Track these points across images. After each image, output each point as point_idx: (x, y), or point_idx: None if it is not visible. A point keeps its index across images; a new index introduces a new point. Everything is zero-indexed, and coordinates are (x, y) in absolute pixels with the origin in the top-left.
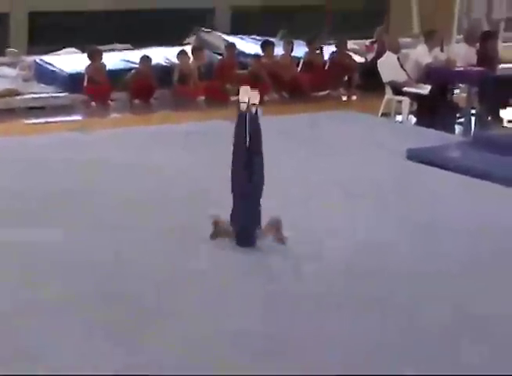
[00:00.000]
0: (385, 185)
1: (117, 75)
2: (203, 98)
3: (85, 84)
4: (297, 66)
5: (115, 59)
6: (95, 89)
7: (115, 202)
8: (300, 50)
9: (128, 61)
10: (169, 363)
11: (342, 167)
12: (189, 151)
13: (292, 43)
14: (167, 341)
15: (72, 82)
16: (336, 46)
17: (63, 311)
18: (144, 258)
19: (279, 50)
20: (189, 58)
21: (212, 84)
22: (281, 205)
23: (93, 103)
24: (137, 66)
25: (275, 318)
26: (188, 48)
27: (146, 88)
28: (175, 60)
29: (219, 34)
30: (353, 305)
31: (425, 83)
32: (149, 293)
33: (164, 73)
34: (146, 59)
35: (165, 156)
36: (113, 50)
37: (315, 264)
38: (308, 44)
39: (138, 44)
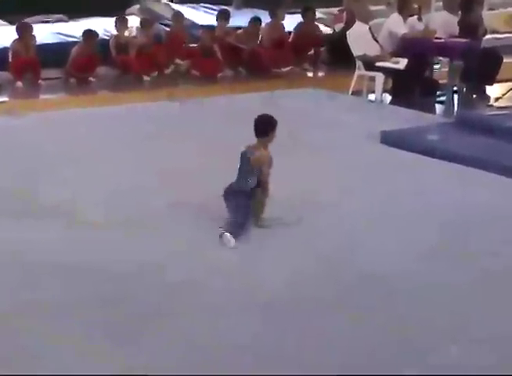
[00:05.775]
0: (356, 172)
1: (48, 51)
2: (147, 78)
3: (10, 60)
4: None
5: (47, 32)
6: (23, 67)
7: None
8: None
9: (62, 34)
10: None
11: (308, 152)
12: (133, 137)
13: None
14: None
15: None
16: (302, 16)
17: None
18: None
19: (236, 20)
20: (128, 25)
21: (160, 58)
22: None
23: (19, 83)
24: (71, 39)
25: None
26: (131, 19)
27: (86, 66)
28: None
29: (167, 2)
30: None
31: (401, 57)
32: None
33: (104, 47)
34: (90, 33)
35: (106, 142)
36: (45, 22)
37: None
38: (272, 13)
39: (73, 14)
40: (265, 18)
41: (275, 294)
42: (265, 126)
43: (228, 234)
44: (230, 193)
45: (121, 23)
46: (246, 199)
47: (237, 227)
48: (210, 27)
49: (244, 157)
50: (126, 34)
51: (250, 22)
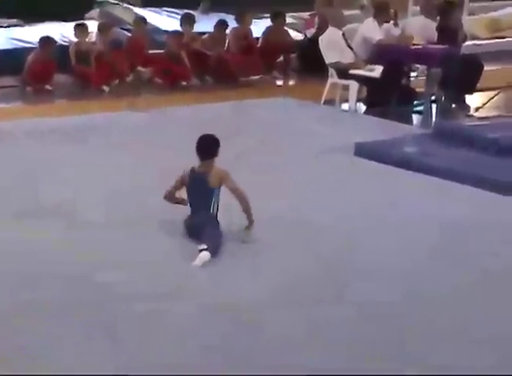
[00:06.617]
0: (329, 186)
1: (2, 57)
2: (107, 89)
3: None
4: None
5: (1, 37)
6: None
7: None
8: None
9: (17, 40)
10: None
11: (279, 165)
12: (94, 150)
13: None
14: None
15: None
16: (272, 20)
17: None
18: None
19: (201, 25)
20: (88, 32)
21: (120, 65)
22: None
23: None
24: (27, 45)
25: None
26: (90, 24)
27: (43, 74)
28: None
29: (128, 6)
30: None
31: (376, 64)
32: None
33: (62, 54)
34: (47, 40)
35: (66, 156)
36: None
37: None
38: (239, 17)
39: (29, 19)
40: (233, 23)
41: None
42: (212, 147)
43: (206, 252)
44: (195, 231)
45: (81, 30)
46: (214, 226)
47: (215, 247)
48: (175, 33)
49: (197, 183)
50: (87, 40)
51: (215, 26)
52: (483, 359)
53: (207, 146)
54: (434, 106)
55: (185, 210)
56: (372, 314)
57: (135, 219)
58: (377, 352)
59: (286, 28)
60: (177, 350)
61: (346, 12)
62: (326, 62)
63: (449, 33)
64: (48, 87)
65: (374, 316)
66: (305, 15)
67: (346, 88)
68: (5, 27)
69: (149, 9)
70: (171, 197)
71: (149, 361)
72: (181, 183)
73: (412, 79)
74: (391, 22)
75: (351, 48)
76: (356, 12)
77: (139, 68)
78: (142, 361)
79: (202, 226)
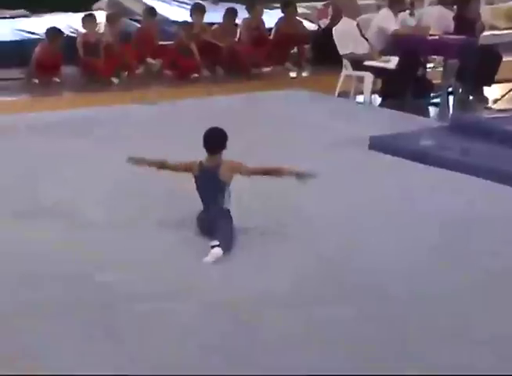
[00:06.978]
0: (343, 180)
1: (8, 49)
2: (116, 81)
3: None
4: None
5: (7, 28)
6: None
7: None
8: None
9: (24, 31)
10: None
11: (289, 158)
12: (102, 144)
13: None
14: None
15: None
16: (282, 10)
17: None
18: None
19: (211, 16)
20: (96, 23)
21: (129, 57)
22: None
23: None
24: (34, 37)
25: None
26: (99, 14)
27: (50, 66)
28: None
29: None
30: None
31: (391, 55)
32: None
33: (69, 45)
34: (55, 32)
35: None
36: (4, 17)
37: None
38: (249, 8)
39: (36, 9)
40: (244, 14)
41: (260, 292)
42: (220, 140)
43: (219, 248)
44: (208, 226)
45: (89, 21)
46: (227, 220)
47: (228, 244)
48: (185, 23)
49: (207, 177)
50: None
51: (224, 15)
52: (483, 359)
53: (215, 140)
54: (451, 98)
55: (191, 207)
56: (372, 314)
57: (138, 217)
58: (377, 352)
59: (299, 19)
60: (177, 350)
61: (360, 2)
62: (340, 53)
63: (467, 23)
64: (55, 79)
65: (374, 316)
66: (319, 5)
67: (361, 79)
68: (12, 17)
69: None
70: (149, 162)
71: (149, 361)
72: (184, 169)
73: (428, 70)
74: (407, 11)
75: (365, 39)
76: (371, 1)
77: (149, 60)
78: (142, 361)
79: (215, 221)
